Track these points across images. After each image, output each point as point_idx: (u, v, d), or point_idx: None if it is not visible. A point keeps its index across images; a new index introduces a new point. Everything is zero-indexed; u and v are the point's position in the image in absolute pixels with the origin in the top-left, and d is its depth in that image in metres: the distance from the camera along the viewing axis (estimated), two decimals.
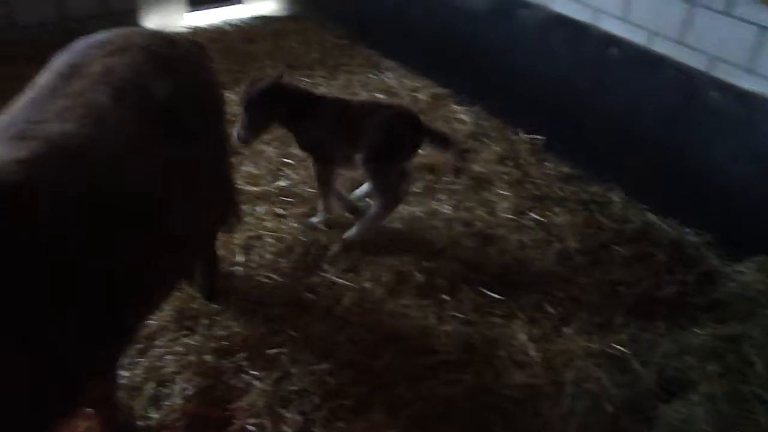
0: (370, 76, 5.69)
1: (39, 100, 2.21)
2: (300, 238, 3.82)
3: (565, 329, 3.39)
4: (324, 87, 5.43)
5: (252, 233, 3.84)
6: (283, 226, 3.90)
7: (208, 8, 6.79)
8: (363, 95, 5.31)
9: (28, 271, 1.77)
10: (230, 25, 6.68)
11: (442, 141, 3.84)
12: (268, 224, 3.90)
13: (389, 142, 3.67)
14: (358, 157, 3.68)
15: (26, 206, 1.82)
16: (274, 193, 4.18)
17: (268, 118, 3.84)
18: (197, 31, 6.45)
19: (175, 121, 2.45)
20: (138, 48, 2.54)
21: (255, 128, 3.83)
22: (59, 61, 2.47)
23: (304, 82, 5.48)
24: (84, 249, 1.93)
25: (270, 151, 4.55)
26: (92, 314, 1.99)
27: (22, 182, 1.83)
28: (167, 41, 2.75)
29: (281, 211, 4.03)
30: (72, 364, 1.94)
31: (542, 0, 4.70)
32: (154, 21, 6.47)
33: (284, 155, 4.53)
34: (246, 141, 3.89)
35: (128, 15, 6.30)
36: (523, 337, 3.31)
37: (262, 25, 6.75)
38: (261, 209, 4.04)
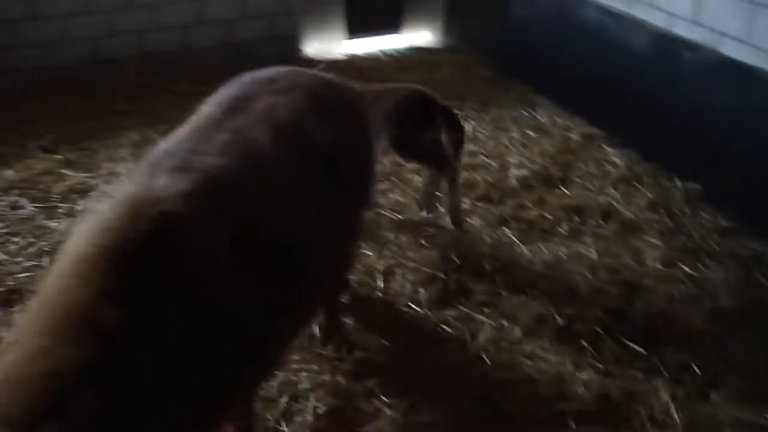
0: (522, 112, 5.67)
1: (202, 132, 2.28)
2: (440, 270, 3.84)
3: (712, 394, 3.19)
4: (474, 120, 5.46)
5: (393, 261, 3.90)
6: (425, 257, 3.93)
7: (366, 36, 7.01)
8: (513, 131, 5.29)
9: (189, 300, 1.82)
10: (386, 54, 6.87)
11: (452, 122, 4.02)
12: (410, 253, 3.95)
13: (406, 128, 3.83)
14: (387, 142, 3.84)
15: (187, 238, 1.88)
16: (419, 223, 4.23)
17: None
18: (354, 59, 6.69)
19: (329, 166, 2.46)
20: (302, 90, 2.59)
21: None
22: (225, 93, 2.55)
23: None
24: (236, 282, 1.97)
25: (418, 180, 4.62)
26: (245, 343, 2.02)
27: (184, 214, 1.89)
28: (330, 85, 2.80)
29: (424, 242, 4.07)
30: (225, 387, 1.99)
31: (710, 42, 4.51)
32: (314, 47, 6.76)
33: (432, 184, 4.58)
34: None
35: (291, 40, 6.63)
36: (665, 396, 3.15)
37: (417, 55, 6.89)
38: (404, 238, 4.10)
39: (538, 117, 5.59)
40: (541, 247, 4.00)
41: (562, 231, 4.20)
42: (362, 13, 6.95)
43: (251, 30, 6.47)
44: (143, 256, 1.77)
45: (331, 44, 6.81)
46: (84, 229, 1.90)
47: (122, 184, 2.12)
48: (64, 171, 4.85)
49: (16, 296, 3.71)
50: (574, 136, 5.30)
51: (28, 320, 1.77)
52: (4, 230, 4.23)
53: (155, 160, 2.13)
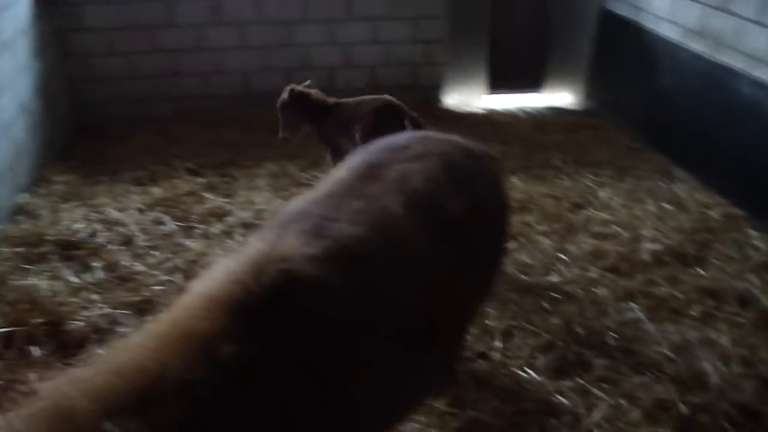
0: (660, 184, 5.48)
1: (336, 197, 2.28)
2: (560, 338, 3.75)
3: None
4: (609, 188, 5.34)
5: (514, 323, 3.84)
6: (546, 322, 3.85)
7: (506, 93, 7.03)
8: (649, 202, 5.12)
9: (300, 359, 1.82)
10: (524, 112, 6.86)
11: (416, 124, 4.52)
12: (532, 317, 3.87)
13: (378, 125, 4.36)
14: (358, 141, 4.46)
15: (307, 299, 1.88)
16: (544, 286, 4.15)
17: (298, 118, 4.86)
18: (492, 114, 6.72)
19: (462, 238, 2.40)
20: (436, 157, 2.54)
21: (290, 126, 4.92)
22: (360, 159, 2.56)
23: (589, 179, 5.44)
24: (352, 348, 1.95)
25: (546, 243, 4.55)
26: (357, 407, 1.99)
27: (307, 276, 1.89)
28: (466, 152, 2.72)
29: (547, 306, 3.99)
30: None
31: None
32: (454, 98, 6.84)
33: (560, 250, 4.50)
34: (286, 138, 4.96)
35: (433, 89, 6.75)
36: None
37: (555, 116, 6.85)
38: (528, 300, 4.03)
39: (676, 191, 5.38)
40: (670, 327, 3.81)
41: (694, 313, 3.99)
42: (504, 69, 7.00)
43: (394, 76, 6.64)
44: (260, 308, 1.80)
45: (471, 97, 6.88)
46: (214, 275, 1.96)
47: (253, 240, 2.16)
48: (205, 194, 5.11)
49: (149, 306, 3.92)
50: (714, 214, 5.06)
51: (153, 328, 1.85)
52: (146, 243, 4.49)
53: (287, 221, 2.17)
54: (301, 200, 2.36)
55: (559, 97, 7.18)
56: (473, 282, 2.54)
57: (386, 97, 4.83)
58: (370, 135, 4.36)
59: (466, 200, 2.47)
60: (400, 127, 4.39)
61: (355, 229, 2.12)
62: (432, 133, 2.89)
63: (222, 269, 1.96)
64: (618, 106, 6.71)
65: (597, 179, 5.47)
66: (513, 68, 7.09)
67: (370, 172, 2.42)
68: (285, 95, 4.84)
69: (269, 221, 2.34)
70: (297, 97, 4.82)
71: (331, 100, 4.90)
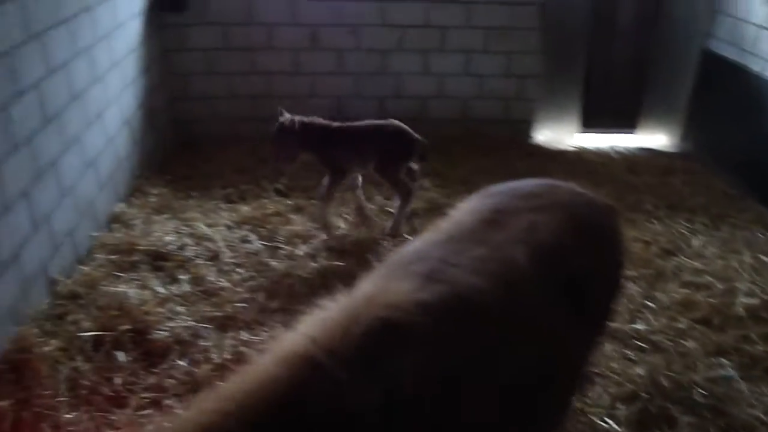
0: (758, 234, 5.23)
1: (456, 241, 2.21)
2: (644, 389, 3.60)
3: None
4: (703, 235, 5.14)
5: (596, 369, 3.71)
6: (630, 371, 3.71)
7: (599, 132, 6.90)
8: (746, 254, 4.89)
9: (392, 412, 1.74)
10: (616, 152, 6.70)
11: (423, 150, 4.96)
12: (614, 365, 3.74)
13: (398, 150, 4.86)
14: (371, 166, 4.85)
15: (413, 350, 1.79)
16: (629, 334, 4.00)
17: (299, 146, 4.90)
18: (583, 152, 6.59)
19: (582, 295, 2.29)
20: (562, 208, 2.46)
21: (287, 157, 4.95)
22: (484, 202, 2.47)
23: (682, 225, 5.26)
24: (456, 402, 1.87)
25: (634, 289, 4.39)
26: None
27: (416, 326, 1.81)
28: (591, 205, 2.63)
29: (631, 355, 3.84)
30: None
31: None
32: (545, 134, 6.76)
33: (648, 297, 4.34)
34: (281, 171, 5.07)
35: (524, 125, 6.70)
36: None
37: (648, 157, 6.66)
38: (610, 347, 3.90)
39: None
40: (765, 389, 3.62)
41: None
42: (598, 107, 6.88)
43: (486, 109, 6.62)
44: (340, 360, 1.72)
45: (562, 134, 6.78)
46: (313, 319, 1.90)
47: (365, 281, 2.08)
48: (292, 215, 5.19)
49: (231, 322, 3.98)
50: None
51: (238, 380, 1.78)
52: (232, 260, 4.59)
53: (403, 262, 2.12)
54: (419, 241, 2.30)
55: (654, 138, 6.99)
56: (587, 338, 2.46)
57: (395, 122, 5.02)
58: (389, 159, 4.87)
59: (589, 257, 2.38)
60: (412, 153, 4.91)
61: (474, 277, 2.04)
62: (556, 182, 2.74)
63: (323, 314, 1.90)
64: (716, 150, 6.47)
65: (690, 226, 5.27)
66: (607, 106, 6.96)
67: (495, 218, 2.34)
68: (286, 122, 4.88)
69: (386, 261, 2.26)
70: (302, 125, 4.90)
71: (335, 124, 5.02)
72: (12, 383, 3.36)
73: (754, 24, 5.90)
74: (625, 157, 6.62)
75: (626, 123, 6.98)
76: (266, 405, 1.65)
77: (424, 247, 2.19)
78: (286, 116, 4.89)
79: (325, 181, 4.99)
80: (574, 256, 2.32)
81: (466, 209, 2.48)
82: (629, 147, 6.83)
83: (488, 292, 2.02)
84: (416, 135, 4.92)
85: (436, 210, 5.22)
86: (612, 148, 6.76)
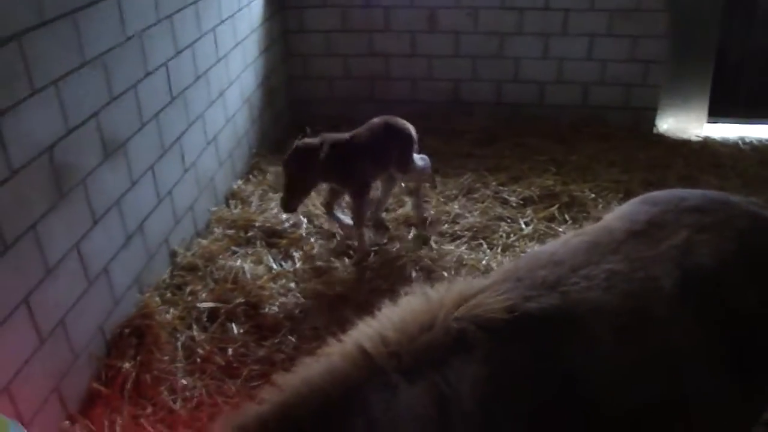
0: None
1: (598, 250, 2.03)
2: None
3: None
4: None
5: None
6: None
7: (728, 122, 6.51)
8: None
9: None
10: (747, 143, 6.30)
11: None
12: None
13: (412, 149, 4.59)
14: (393, 169, 4.54)
15: (475, 364, 1.74)
16: None
17: (315, 173, 4.20)
18: (708, 143, 6.25)
19: (746, 341, 1.98)
20: (732, 230, 2.11)
21: (304, 189, 4.27)
22: (640, 210, 2.24)
23: None
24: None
25: None
26: None
27: (483, 341, 1.76)
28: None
29: None
30: None
31: None
32: (669, 123, 6.45)
33: None
34: (293, 208, 4.31)
35: (646, 112, 6.40)
36: None
37: None
38: None
39: None
40: None
41: None
42: (729, 95, 6.47)
43: (607, 95, 6.37)
44: (401, 366, 1.72)
45: (688, 124, 6.44)
46: (392, 312, 1.89)
47: (469, 278, 2.08)
48: (405, 198, 5.19)
49: (340, 303, 4.04)
50: None
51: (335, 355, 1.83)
52: (345, 240, 4.64)
53: (534, 264, 2.01)
54: (562, 243, 2.15)
55: None
56: (744, 402, 2.06)
57: (392, 117, 4.65)
58: (409, 158, 4.58)
59: (760, 294, 2.02)
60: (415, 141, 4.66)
61: (601, 294, 1.89)
62: (731, 198, 2.37)
63: (404, 307, 1.89)
64: None
65: None
66: (739, 95, 6.54)
67: (647, 231, 2.11)
68: (307, 145, 4.22)
69: (519, 259, 2.18)
70: (328, 146, 4.22)
71: (345, 134, 4.48)
72: (134, 347, 3.55)
73: None
74: (756, 149, 6.20)
75: (759, 113, 6.54)
76: (322, 398, 1.67)
77: (564, 252, 2.06)
78: (306, 139, 4.33)
79: (349, 206, 4.53)
80: (738, 291, 1.99)
81: (619, 214, 2.27)
82: (762, 139, 6.40)
83: (610, 313, 1.86)
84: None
85: (551, 197, 5.09)
86: (742, 139, 6.36)
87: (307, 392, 1.68)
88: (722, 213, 2.17)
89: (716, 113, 6.46)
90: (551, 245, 2.19)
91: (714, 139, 6.32)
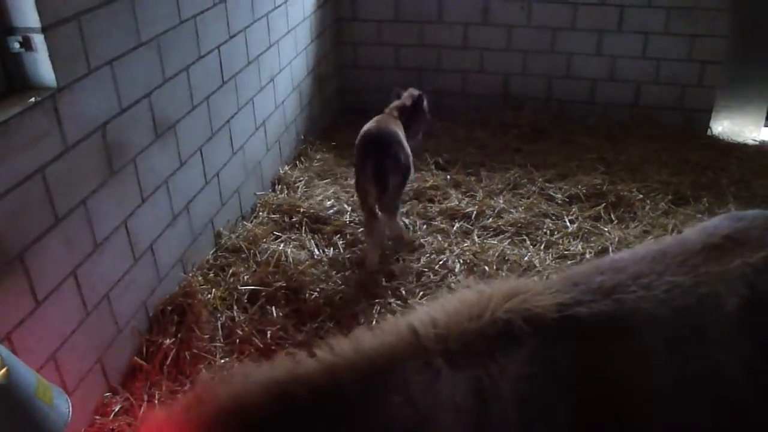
0: None
1: (666, 260, 1.96)
2: None
3: None
4: None
5: None
6: None
7: None
8: None
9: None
10: None
11: None
12: None
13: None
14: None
15: (520, 362, 1.74)
16: None
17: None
18: (765, 147, 6.08)
19: None
20: None
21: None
22: (722, 225, 2.12)
23: None
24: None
25: None
26: None
27: (529, 338, 1.76)
28: None
29: None
30: None
31: None
32: (724, 125, 6.30)
33: None
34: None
35: (701, 114, 6.26)
36: None
37: None
38: None
39: None
40: None
41: None
42: None
43: (660, 95, 6.25)
44: (446, 351, 1.75)
45: (744, 127, 6.28)
46: (446, 300, 1.93)
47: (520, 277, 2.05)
48: (450, 190, 5.17)
49: (381, 291, 4.05)
50: None
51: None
52: (386, 230, 4.65)
53: (594, 269, 1.99)
54: (630, 251, 2.12)
55: None
56: None
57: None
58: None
59: None
60: None
61: (656, 306, 1.83)
62: None
63: (457, 297, 1.93)
64: None
65: None
66: None
67: (723, 245, 2.00)
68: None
69: (581, 264, 2.20)
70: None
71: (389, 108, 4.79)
72: (176, 324, 3.62)
73: None
74: None
75: None
76: (368, 366, 1.70)
77: (628, 259, 2.02)
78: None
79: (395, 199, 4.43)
80: None
81: (700, 227, 2.17)
82: None
83: (664, 325, 1.82)
84: None
85: (598, 196, 5.02)
86: None
87: (355, 358, 1.71)
88: None
89: None
90: (622, 253, 2.16)
91: None
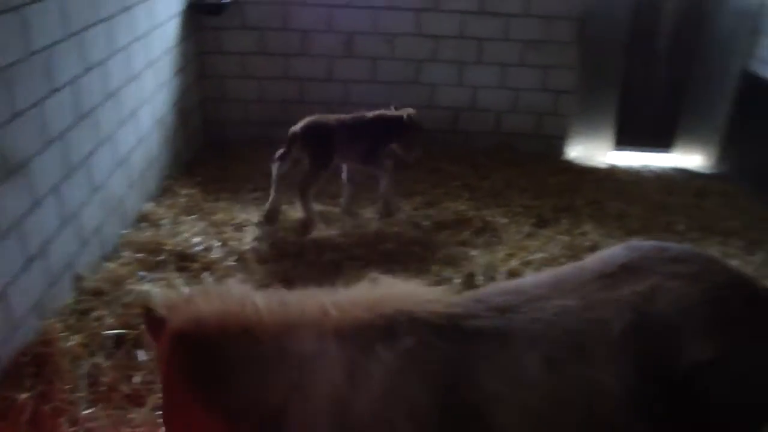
0: None
1: (558, 287, 2.07)
2: None
3: None
4: (737, 260, 5.01)
5: None
6: None
7: (633, 150, 6.80)
8: None
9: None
10: (650, 171, 6.59)
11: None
12: None
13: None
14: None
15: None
16: None
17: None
18: (614, 170, 6.50)
19: (691, 400, 1.92)
20: (705, 284, 2.04)
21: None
22: (619, 254, 2.20)
23: (715, 248, 5.13)
24: None
25: None
26: None
27: (410, 336, 1.94)
28: (749, 296, 2.11)
29: None
30: None
31: None
32: (577, 150, 6.68)
33: None
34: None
35: (557, 140, 6.62)
36: None
37: (682, 178, 6.54)
38: None
39: None
40: None
41: None
42: (634, 125, 6.77)
43: (519, 123, 6.57)
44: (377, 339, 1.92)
45: (595, 151, 6.69)
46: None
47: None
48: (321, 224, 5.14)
49: None
50: None
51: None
52: (257, 264, 4.56)
53: (494, 291, 2.14)
54: (536, 275, 2.27)
55: (689, 158, 6.86)
56: None
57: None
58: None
59: (715, 350, 1.94)
60: None
61: (545, 326, 1.94)
62: (718, 259, 2.33)
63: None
64: (754, 173, 6.32)
65: (724, 249, 5.15)
66: (642, 125, 6.85)
67: (616, 274, 2.09)
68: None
69: (484, 287, 2.40)
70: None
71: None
72: (33, 376, 3.37)
73: None
74: (658, 176, 6.51)
75: (661, 142, 6.87)
76: (282, 320, 1.97)
77: (530, 283, 2.14)
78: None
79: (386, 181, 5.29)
80: (692, 344, 1.93)
81: (599, 256, 2.27)
82: (663, 166, 6.71)
83: (545, 344, 1.93)
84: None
85: (463, 223, 5.17)
86: (645, 167, 6.66)
87: (279, 310, 1.99)
88: (699, 266, 2.13)
89: (622, 142, 6.75)
90: (526, 278, 2.32)
91: (619, 167, 6.59)
